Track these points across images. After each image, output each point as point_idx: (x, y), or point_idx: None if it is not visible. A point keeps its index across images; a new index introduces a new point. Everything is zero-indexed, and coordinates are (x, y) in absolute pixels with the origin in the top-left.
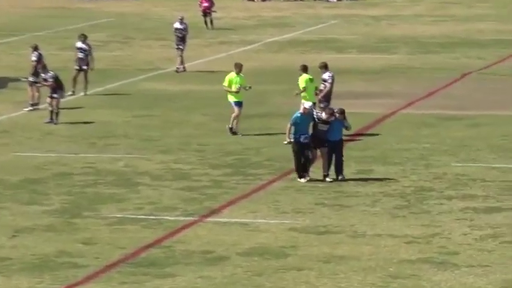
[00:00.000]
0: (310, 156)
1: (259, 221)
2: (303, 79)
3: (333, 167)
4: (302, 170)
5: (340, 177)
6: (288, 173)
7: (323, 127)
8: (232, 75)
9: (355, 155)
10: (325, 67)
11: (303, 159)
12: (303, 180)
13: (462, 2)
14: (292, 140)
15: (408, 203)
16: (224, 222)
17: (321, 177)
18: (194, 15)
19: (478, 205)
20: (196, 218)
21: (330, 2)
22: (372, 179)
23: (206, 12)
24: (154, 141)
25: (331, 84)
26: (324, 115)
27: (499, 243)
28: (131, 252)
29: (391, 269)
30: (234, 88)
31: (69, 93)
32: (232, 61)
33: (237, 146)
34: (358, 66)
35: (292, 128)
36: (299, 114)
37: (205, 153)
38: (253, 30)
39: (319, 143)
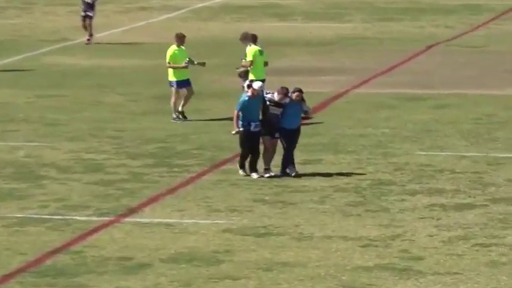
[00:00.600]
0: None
1: (187, 221)
2: (251, 51)
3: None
4: (251, 167)
5: (293, 174)
6: (222, 163)
7: (275, 110)
8: (174, 48)
9: (300, 142)
10: (252, 39)
11: (250, 156)
12: (241, 172)
13: None
14: (241, 129)
15: (364, 199)
16: (145, 223)
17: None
18: None
19: (446, 201)
20: (111, 218)
21: None
22: (321, 171)
23: None
24: (61, 127)
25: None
26: (276, 96)
27: (471, 246)
28: (34, 259)
29: (343, 278)
30: (183, 64)
31: None
32: (153, 30)
33: (160, 132)
34: (304, 36)
35: (240, 115)
36: (246, 98)
37: (122, 141)
38: None
39: (271, 130)
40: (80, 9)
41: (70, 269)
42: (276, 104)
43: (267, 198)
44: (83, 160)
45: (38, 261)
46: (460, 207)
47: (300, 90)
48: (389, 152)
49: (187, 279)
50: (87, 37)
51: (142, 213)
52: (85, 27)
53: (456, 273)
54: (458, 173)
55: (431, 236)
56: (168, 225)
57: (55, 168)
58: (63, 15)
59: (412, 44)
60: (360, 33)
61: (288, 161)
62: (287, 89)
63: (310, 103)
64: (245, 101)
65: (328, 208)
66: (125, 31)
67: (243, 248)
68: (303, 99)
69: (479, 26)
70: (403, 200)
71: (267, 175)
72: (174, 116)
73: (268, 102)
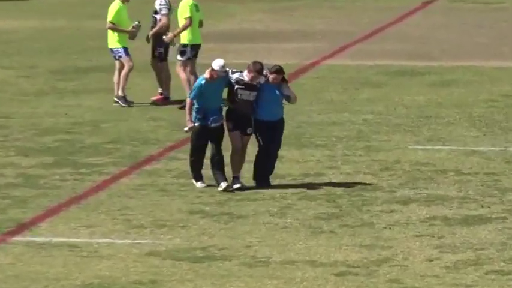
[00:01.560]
0: (214, 151)
1: (99, 240)
2: (186, 5)
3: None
4: (218, 171)
5: (260, 184)
6: (145, 162)
7: (247, 95)
8: (119, 4)
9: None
10: None
11: (214, 158)
12: (199, 184)
13: None
14: (196, 124)
15: (339, 210)
16: (41, 244)
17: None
18: None
19: (451, 213)
20: None
21: None
22: (281, 173)
23: None
24: None
25: (167, 16)
26: (246, 75)
27: (484, 273)
28: None
29: None
30: (131, 27)
31: None
32: None
33: (61, 119)
34: None
35: (196, 105)
36: (203, 81)
37: (10, 131)
38: None
39: (242, 123)
40: None
41: None
42: (247, 86)
43: (207, 209)
44: None
45: None
46: (470, 221)
47: (279, 70)
48: (373, 146)
49: None
50: None
51: (38, 230)
52: None
53: None
54: (467, 174)
55: (431, 261)
56: (73, 246)
57: None
58: None
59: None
60: None
61: (264, 167)
62: (261, 65)
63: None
64: (201, 85)
65: (291, 223)
66: None
67: (176, 278)
68: (284, 81)
69: None
70: (392, 211)
71: (235, 186)
72: (121, 95)
73: (236, 85)
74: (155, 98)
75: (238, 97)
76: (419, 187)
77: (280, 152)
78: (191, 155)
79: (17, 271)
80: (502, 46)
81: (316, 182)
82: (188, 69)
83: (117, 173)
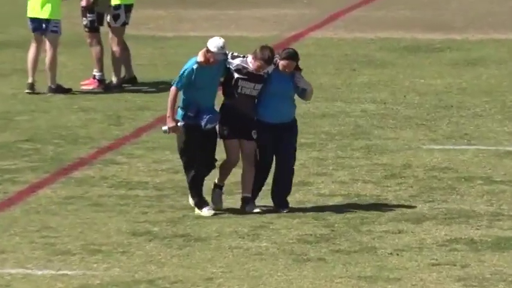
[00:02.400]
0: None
1: (12, 270)
2: None
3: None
4: (198, 195)
5: (284, 210)
6: (73, 167)
7: (250, 89)
8: None
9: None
10: None
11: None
12: (206, 211)
13: None
14: (181, 124)
15: (331, 230)
16: None
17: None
18: None
19: (479, 234)
20: None
21: None
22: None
23: None
24: None
25: None
26: (251, 62)
27: None
28: None
29: None
30: None
31: None
32: None
33: None
34: None
35: (182, 97)
36: (195, 66)
37: None
38: None
39: (242, 125)
40: None
41: None
42: (251, 76)
43: (155, 229)
44: None
45: None
46: (503, 245)
47: (293, 55)
48: (375, 145)
49: None
50: None
51: None
52: None
53: None
54: (500, 182)
55: None
56: None
57: None
58: None
59: None
60: None
61: (281, 183)
62: (271, 52)
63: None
64: (192, 70)
65: (266, 247)
66: None
67: None
68: (298, 69)
69: None
70: (400, 231)
71: (255, 210)
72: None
73: (236, 74)
74: (85, 82)
75: (239, 90)
76: (436, 200)
77: None
78: (188, 174)
79: None
80: None
81: (300, 193)
82: (116, 40)
83: (36, 182)
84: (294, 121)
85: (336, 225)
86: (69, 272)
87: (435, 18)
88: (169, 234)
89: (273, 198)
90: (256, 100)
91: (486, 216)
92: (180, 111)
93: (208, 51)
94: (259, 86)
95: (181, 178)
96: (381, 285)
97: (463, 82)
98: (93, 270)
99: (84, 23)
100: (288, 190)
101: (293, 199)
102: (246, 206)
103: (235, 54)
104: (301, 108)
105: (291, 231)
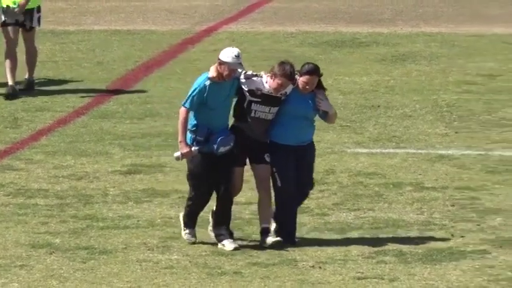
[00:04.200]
0: (222, 191)
1: None
2: None
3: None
4: (218, 224)
5: (294, 240)
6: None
7: (264, 111)
8: None
9: (121, 130)
10: None
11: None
12: (187, 236)
13: None
14: (195, 149)
15: (247, 242)
16: None
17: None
18: None
19: (407, 245)
20: None
21: None
22: (162, 188)
23: None
24: None
25: None
26: (267, 83)
27: None
28: None
29: None
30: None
31: None
32: None
33: None
34: None
35: (191, 119)
36: (207, 82)
37: None
38: None
39: (252, 149)
40: None
41: None
42: (267, 99)
43: (57, 241)
44: None
45: None
46: (435, 257)
47: (314, 70)
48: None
49: None
50: None
51: None
52: None
53: None
54: (431, 189)
55: None
56: None
57: None
58: None
59: None
60: None
61: (285, 218)
62: (292, 67)
63: (140, 52)
64: (203, 87)
65: (177, 260)
66: None
67: None
68: (321, 87)
69: None
70: (323, 243)
71: (271, 241)
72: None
73: (249, 97)
74: None
75: (252, 114)
76: (361, 208)
77: (163, 159)
78: (190, 198)
79: None
80: (484, 3)
81: (213, 201)
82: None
83: None
84: (312, 144)
85: (253, 235)
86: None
87: (360, 10)
88: (72, 247)
89: (282, 234)
90: (270, 123)
91: (416, 225)
92: (188, 135)
93: (221, 63)
94: (275, 109)
95: (84, 185)
96: None
97: (391, 80)
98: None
99: None
100: (293, 217)
101: (208, 208)
102: (266, 238)
103: (249, 73)
104: None
105: (204, 242)
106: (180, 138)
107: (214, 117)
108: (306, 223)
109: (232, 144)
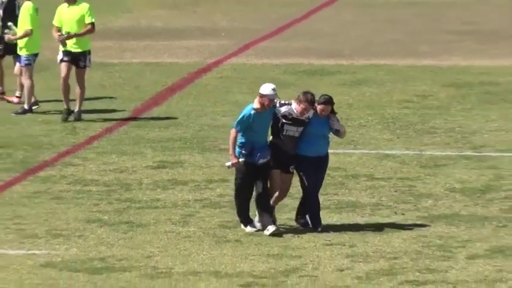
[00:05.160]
0: (261, 190)
1: None
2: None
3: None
4: (265, 212)
5: (319, 228)
6: (39, 168)
7: (293, 131)
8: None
9: (154, 136)
10: None
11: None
12: (249, 228)
13: None
14: (241, 160)
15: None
16: None
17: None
18: None
19: (362, 220)
20: None
21: None
22: (183, 178)
23: None
24: None
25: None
26: (295, 108)
27: (399, 284)
28: None
29: None
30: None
31: None
32: None
33: None
34: None
35: (239, 138)
36: (253, 112)
37: None
38: None
39: (283, 160)
40: None
41: None
42: (295, 121)
43: (105, 217)
44: None
45: None
46: (383, 229)
47: (328, 100)
48: None
49: None
50: None
51: None
52: None
53: None
54: (380, 179)
55: (342, 271)
56: None
57: None
58: None
59: None
60: None
61: (311, 205)
62: (312, 95)
63: (164, 80)
64: (250, 115)
65: (194, 231)
66: None
67: None
68: (333, 112)
69: None
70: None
71: (271, 230)
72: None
73: (282, 120)
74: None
75: (284, 133)
76: (329, 193)
77: (182, 156)
78: (237, 197)
79: None
80: (416, 43)
81: (220, 188)
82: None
83: (9, 180)
84: (327, 155)
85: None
86: (36, 252)
87: (327, 48)
88: (116, 221)
89: (304, 210)
90: (300, 139)
91: (369, 206)
92: (237, 149)
93: (262, 96)
94: (300, 129)
95: (125, 177)
96: (285, 261)
97: (350, 99)
98: (56, 250)
99: None
100: (319, 208)
101: (213, 194)
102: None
103: (282, 102)
104: (222, 120)
105: (214, 218)
106: (230, 152)
107: (257, 136)
108: (287, 204)
109: (269, 157)
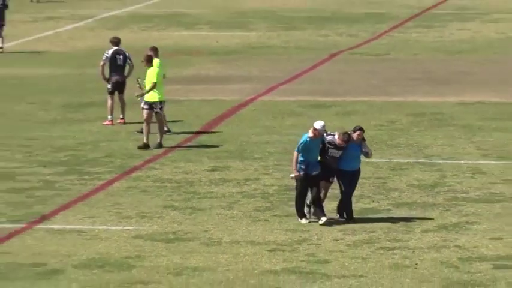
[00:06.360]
0: (321, 194)
1: (99, 227)
2: (155, 69)
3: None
4: (319, 208)
5: (347, 219)
6: (131, 170)
7: (335, 153)
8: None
9: (208, 149)
10: (115, 43)
11: (310, 198)
12: (304, 221)
13: None
14: (301, 173)
15: (271, 204)
16: (57, 230)
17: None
18: None
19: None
20: (24, 225)
21: None
22: (229, 177)
23: None
24: None
25: (123, 63)
26: (337, 139)
27: (375, 249)
28: None
29: (252, 281)
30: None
31: None
32: (61, 40)
33: (70, 140)
34: (210, 45)
35: (299, 156)
36: (308, 139)
37: (33, 149)
38: (85, 3)
39: (327, 173)
40: None
41: None
42: (336, 146)
43: (176, 204)
44: None
45: None
46: (364, 212)
47: (361, 129)
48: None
49: (99, 284)
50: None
51: (55, 220)
52: None
53: (361, 276)
54: (362, 178)
55: (337, 240)
56: (79, 231)
57: None
58: None
59: (316, 53)
60: (265, 41)
61: (346, 205)
62: (349, 136)
63: (216, 111)
64: (306, 141)
65: (236, 214)
66: (32, 40)
67: (154, 254)
68: (363, 140)
69: (381, 34)
70: (309, 205)
71: (324, 220)
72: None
73: (328, 145)
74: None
75: (329, 154)
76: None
77: (227, 163)
78: (297, 198)
79: (40, 249)
80: (388, 86)
81: (254, 184)
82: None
83: (111, 179)
84: (359, 169)
85: (274, 201)
86: (129, 227)
87: (326, 89)
88: (184, 207)
89: (342, 209)
90: (339, 158)
91: (355, 197)
92: (299, 165)
93: (315, 129)
94: (340, 152)
95: (190, 176)
96: (298, 234)
97: (342, 124)
98: (143, 227)
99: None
100: (351, 206)
101: (249, 188)
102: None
103: (329, 132)
104: (255, 138)
105: (250, 204)
106: (293, 167)
107: (311, 156)
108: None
109: (319, 170)
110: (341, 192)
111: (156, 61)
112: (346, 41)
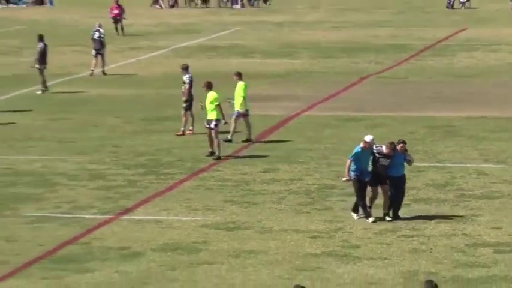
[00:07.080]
0: (371, 195)
1: (172, 218)
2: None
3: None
4: (355, 208)
5: (395, 218)
6: (199, 172)
7: (384, 162)
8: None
9: (261, 154)
10: (185, 69)
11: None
12: (355, 216)
13: (360, 9)
14: (352, 178)
15: (312, 199)
16: (138, 220)
17: (380, 215)
18: (104, 22)
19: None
20: (111, 216)
21: (235, 9)
22: (278, 178)
23: (116, 19)
24: (70, 143)
25: (190, 85)
26: (384, 149)
27: (397, 237)
28: (50, 249)
29: (297, 262)
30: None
31: None
32: (141, 66)
33: (148, 147)
34: (263, 70)
35: (352, 164)
36: (360, 149)
37: (119, 154)
38: (162, 36)
39: (380, 179)
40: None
41: (79, 257)
42: (385, 155)
43: (235, 199)
44: (87, 170)
45: (54, 250)
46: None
47: (404, 142)
48: (331, 162)
49: (172, 264)
50: (93, 69)
51: (136, 212)
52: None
53: (385, 258)
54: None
55: (366, 229)
56: (157, 221)
57: (66, 177)
58: (69, 53)
59: (348, 76)
60: (307, 67)
61: (396, 206)
62: (395, 145)
63: (268, 123)
64: (358, 151)
65: (284, 207)
66: (119, 66)
67: (217, 240)
68: (406, 150)
69: (402, 62)
70: (343, 200)
71: (372, 219)
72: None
73: (377, 155)
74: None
75: (379, 163)
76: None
77: (277, 166)
78: (356, 197)
79: (125, 236)
80: (408, 104)
81: (298, 183)
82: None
83: (183, 178)
84: (404, 175)
85: (315, 197)
86: (197, 218)
87: (357, 106)
88: (241, 201)
89: (393, 210)
90: (388, 166)
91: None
92: (351, 172)
93: (365, 142)
94: (388, 160)
95: (246, 177)
96: (334, 224)
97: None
98: (208, 218)
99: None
100: (400, 208)
101: (294, 186)
102: (386, 216)
103: (377, 145)
104: (300, 146)
105: (295, 200)
106: (346, 172)
107: (362, 165)
108: (335, 192)
109: (370, 176)
110: (390, 196)
111: (240, 84)
112: (373, 67)
